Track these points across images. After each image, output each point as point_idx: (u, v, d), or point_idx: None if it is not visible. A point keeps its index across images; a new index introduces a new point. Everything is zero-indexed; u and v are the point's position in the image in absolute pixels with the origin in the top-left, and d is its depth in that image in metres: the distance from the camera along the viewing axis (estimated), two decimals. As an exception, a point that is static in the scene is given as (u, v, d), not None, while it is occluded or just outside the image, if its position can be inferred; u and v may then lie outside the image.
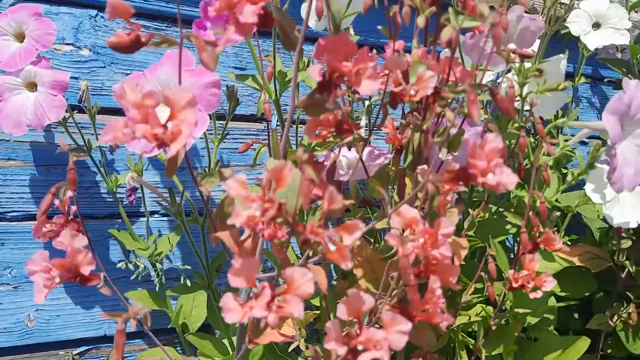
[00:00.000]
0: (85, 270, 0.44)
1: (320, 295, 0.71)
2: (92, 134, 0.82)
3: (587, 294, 0.90)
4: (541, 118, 0.78)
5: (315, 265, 0.39)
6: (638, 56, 1.10)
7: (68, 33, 0.83)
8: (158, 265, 0.83)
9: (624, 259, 0.91)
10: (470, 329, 0.78)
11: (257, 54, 0.78)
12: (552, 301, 0.82)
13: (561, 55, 0.85)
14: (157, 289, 0.85)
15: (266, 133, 0.96)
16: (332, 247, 0.35)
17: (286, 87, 0.80)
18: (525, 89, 0.78)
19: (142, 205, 0.86)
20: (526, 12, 0.69)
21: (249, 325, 0.41)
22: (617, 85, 1.27)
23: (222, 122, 0.83)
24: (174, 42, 0.37)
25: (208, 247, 0.80)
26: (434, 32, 0.54)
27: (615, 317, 0.91)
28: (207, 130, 0.79)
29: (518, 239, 0.67)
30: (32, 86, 0.74)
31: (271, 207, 0.34)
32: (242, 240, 0.43)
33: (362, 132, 0.83)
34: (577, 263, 0.84)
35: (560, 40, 1.19)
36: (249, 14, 0.36)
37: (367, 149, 0.68)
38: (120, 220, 0.86)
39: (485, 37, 0.62)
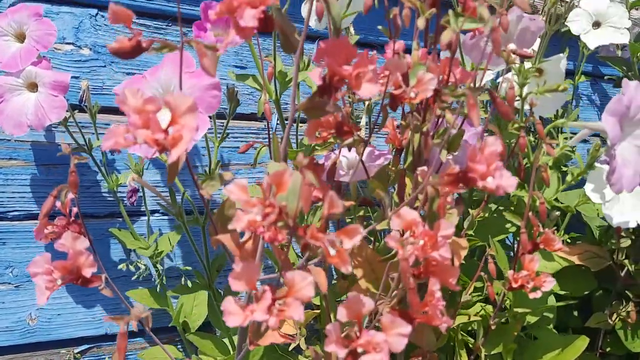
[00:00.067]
0: (87, 272, 0.44)
1: (321, 295, 0.72)
2: (93, 134, 0.82)
3: (586, 293, 0.90)
4: (541, 117, 0.78)
5: (315, 266, 0.39)
6: (638, 54, 1.10)
7: (68, 32, 0.83)
8: (159, 266, 0.83)
9: (624, 257, 0.91)
10: (469, 328, 0.78)
11: (258, 53, 0.78)
12: (551, 300, 0.82)
13: (561, 54, 0.85)
14: (157, 289, 0.85)
15: (267, 132, 0.96)
16: (332, 251, 0.35)
17: (286, 87, 0.80)
18: (525, 89, 0.78)
19: (143, 204, 0.86)
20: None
21: (250, 328, 0.41)
22: (617, 83, 1.27)
23: (222, 121, 0.83)
24: (175, 47, 0.37)
25: (209, 246, 0.80)
26: (434, 32, 0.54)
27: (615, 316, 0.91)
28: (208, 130, 0.79)
29: (518, 237, 0.67)
30: (32, 87, 0.74)
31: (272, 212, 0.34)
32: (243, 242, 0.43)
33: (363, 131, 0.83)
34: (577, 262, 0.85)
35: (560, 38, 1.18)
36: (249, 18, 0.37)
37: (367, 149, 0.69)
38: (121, 219, 0.86)
39: (485, 37, 0.62)
